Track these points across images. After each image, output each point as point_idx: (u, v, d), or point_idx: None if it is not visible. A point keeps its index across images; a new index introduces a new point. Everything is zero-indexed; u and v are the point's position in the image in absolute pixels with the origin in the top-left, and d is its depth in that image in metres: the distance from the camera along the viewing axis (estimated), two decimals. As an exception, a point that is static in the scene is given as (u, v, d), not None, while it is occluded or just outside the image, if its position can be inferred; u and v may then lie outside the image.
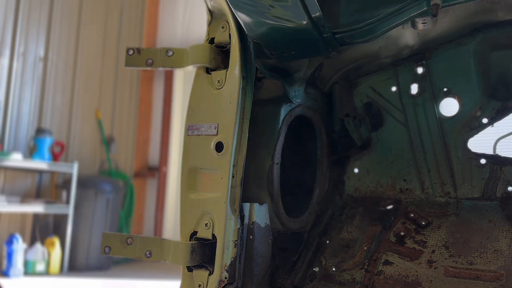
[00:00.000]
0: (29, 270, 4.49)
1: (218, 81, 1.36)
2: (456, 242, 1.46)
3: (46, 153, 4.78)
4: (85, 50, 5.66)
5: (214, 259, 1.29)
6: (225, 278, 1.28)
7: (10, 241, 4.32)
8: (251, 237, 1.34)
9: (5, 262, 4.32)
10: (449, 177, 1.61)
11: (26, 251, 4.50)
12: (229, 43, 1.36)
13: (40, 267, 4.55)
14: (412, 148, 1.68)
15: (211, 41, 1.41)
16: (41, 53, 5.14)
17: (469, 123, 1.60)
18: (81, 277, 4.58)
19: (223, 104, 1.34)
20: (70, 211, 4.78)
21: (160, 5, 6.72)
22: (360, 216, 1.70)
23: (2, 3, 4.72)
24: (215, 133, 1.34)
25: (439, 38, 1.60)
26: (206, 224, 1.31)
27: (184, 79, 6.42)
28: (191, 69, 1.43)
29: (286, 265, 1.61)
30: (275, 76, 1.48)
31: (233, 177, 1.30)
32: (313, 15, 1.20)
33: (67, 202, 4.85)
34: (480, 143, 1.67)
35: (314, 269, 1.59)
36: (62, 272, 4.72)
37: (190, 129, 1.40)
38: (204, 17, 1.51)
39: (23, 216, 4.82)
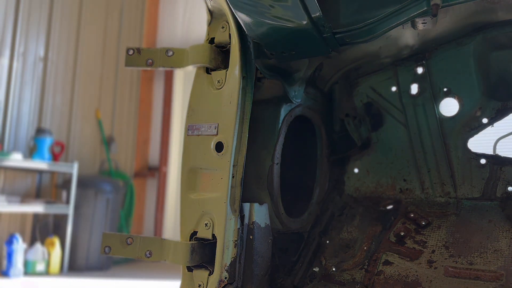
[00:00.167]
0: (29, 270, 4.49)
1: (218, 81, 1.36)
2: (456, 242, 1.46)
3: (46, 153, 4.78)
4: (85, 50, 5.66)
5: (214, 259, 1.29)
6: (225, 278, 1.28)
7: (10, 241, 4.32)
8: (251, 237, 1.34)
9: (5, 262, 4.32)
10: (449, 177, 1.61)
11: (26, 251, 4.50)
12: (229, 43, 1.36)
13: (40, 267, 4.55)
14: (412, 148, 1.68)
15: (211, 41, 1.41)
16: (41, 53, 5.14)
17: (469, 123, 1.60)
18: (81, 277, 4.58)
19: (223, 104, 1.34)
20: (70, 211, 4.78)
21: (160, 5, 6.72)
22: (360, 216, 1.70)
23: (2, 3, 4.72)
24: (215, 133, 1.34)
25: (439, 38, 1.60)
26: (206, 224, 1.31)
27: (184, 79, 6.42)
28: (191, 69, 1.43)
29: (286, 265, 1.61)
30: (275, 76, 1.48)
31: (233, 177, 1.30)
32: (313, 15, 1.20)
33: (67, 202, 4.85)
34: (480, 143, 1.67)
35: (314, 269, 1.59)
36: (62, 272, 4.72)
37: (190, 129, 1.40)
38: (204, 17, 1.51)
39: (23, 216, 4.82)
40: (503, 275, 1.32)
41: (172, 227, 6.10)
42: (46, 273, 4.59)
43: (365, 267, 1.50)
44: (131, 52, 1.40)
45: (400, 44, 1.63)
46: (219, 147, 1.33)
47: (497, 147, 1.60)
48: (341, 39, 1.31)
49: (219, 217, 1.29)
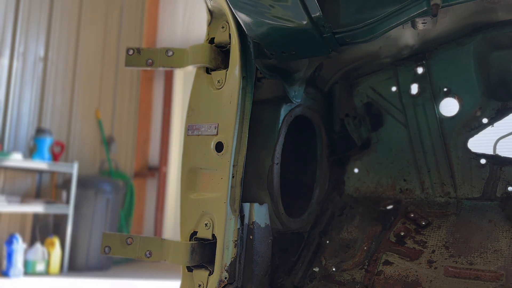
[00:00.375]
0: (29, 270, 4.49)
1: (218, 81, 1.36)
2: (456, 242, 1.46)
3: (46, 153, 4.78)
4: (85, 50, 5.66)
5: (214, 259, 1.29)
6: (225, 278, 1.28)
7: (10, 241, 4.32)
8: (251, 237, 1.34)
9: (5, 262, 4.32)
10: (449, 177, 1.61)
11: (26, 251, 4.50)
12: (229, 43, 1.36)
13: (40, 267, 4.55)
14: (412, 148, 1.68)
15: (211, 41, 1.41)
16: (41, 53, 5.14)
17: (469, 123, 1.60)
18: (81, 277, 4.58)
19: (223, 104, 1.34)
20: (70, 211, 4.78)
21: (160, 5, 6.72)
22: (360, 216, 1.70)
23: (2, 3, 4.72)
24: (215, 133, 1.34)
25: (439, 38, 1.60)
26: (206, 224, 1.31)
27: (184, 79, 6.42)
28: (191, 69, 1.43)
29: (286, 265, 1.61)
30: (275, 76, 1.48)
31: (233, 177, 1.30)
32: (313, 15, 1.20)
33: (67, 202, 4.85)
34: (480, 143, 1.67)
35: (314, 269, 1.59)
36: (62, 272, 4.72)
37: (190, 129, 1.40)
38: (204, 17, 1.51)
39: (23, 216, 4.82)
40: (503, 275, 1.32)
41: (172, 227, 6.10)
42: (46, 273, 4.59)
43: (365, 267, 1.50)
44: (131, 52, 1.40)
45: (400, 44, 1.63)
46: (219, 147, 1.33)
47: (497, 147, 1.60)
48: (341, 39, 1.31)
49: (219, 217, 1.29)
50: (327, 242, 1.67)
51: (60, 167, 4.88)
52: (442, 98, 1.64)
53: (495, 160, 1.56)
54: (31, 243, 4.78)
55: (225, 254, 1.28)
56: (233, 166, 1.31)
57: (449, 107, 1.63)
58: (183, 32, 6.41)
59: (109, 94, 5.99)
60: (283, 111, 1.55)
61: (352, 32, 1.29)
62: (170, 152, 6.27)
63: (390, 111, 1.74)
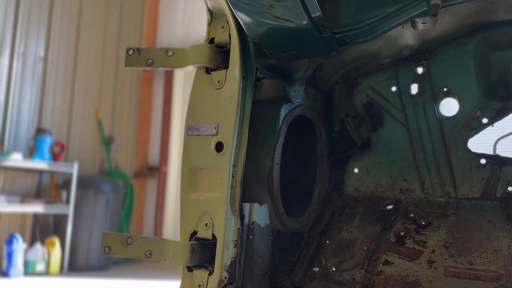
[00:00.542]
0: (29, 270, 4.48)
1: (218, 81, 1.36)
2: (456, 242, 1.46)
3: (46, 153, 4.78)
4: (85, 50, 5.66)
5: (214, 259, 1.29)
6: (225, 278, 1.28)
7: (10, 241, 4.32)
8: (251, 237, 1.34)
9: (5, 262, 4.32)
10: (449, 177, 1.61)
11: (26, 251, 4.50)
12: (229, 43, 1.36)
13: (40, 267, 4.55)
14: (412, 148, 1.68)
15: (211, 41, 1.41)
16: (41, 53, 5.14)
17: (469, 123, 1.60)
18: (81, 277, 4.57)
19: (223, 104, 1.34)
20: (70, 211, 4.78)
21: (160, 5, 6.72)
22: (360, 216, 1.70)
23: (2, 3, 4.72)
24: (215, 133, 1.34)
25: (439, 38, 1.60)
26: (206, 224, 1.31)
27: (184, 79, 6.42)
28: (191, 69, 1.43)
29: (286, 265, 1.61)
30: (275, 76, 1.48)
31: (233, 177, 1.30)
32: (313, 15, 1.20)
33: (67, 202, 4.85)
34: (480, 143, 1.67)
35: (314, 269, 1.59)
36: (62, 272, 4.72)
37: (190, 129, 1.40)
38: (204, 17, 1.51)
39: (23, 216, 4.82)
40: (503, 275, 1.32)
41: (172, 227, 6.10)
42: (46, 273, 4.59)
43: (365, 267, 1.50)
44: (131, 52, 1.40)
45: (400, 44, 1.63)
46: (219, 147, 1.33)
47: (497, 147, 1.60)
48: (341, 39, 1.31)
49: (219, 217, 1.29)
50: (327, 242, 1.67)
51: (60, 167, 4.88)
52: (442, 98, 1.64)
53: (495, 160, 1.56)
54: (31, 243, 4.78)
55: (225, 254, 1.28)
56: (233, 166, 1.31)
57: (449, 107, 1.63)
58: (183, 32, 6.41)
59: (109, 94, 5.99)
60: (283, 111, 1.55)
61: (352, 32, 1.29)
62: (170, 152, 6.27)
63: (390, 111, 1.74)
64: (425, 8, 1.17)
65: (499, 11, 1.48)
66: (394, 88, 1.72)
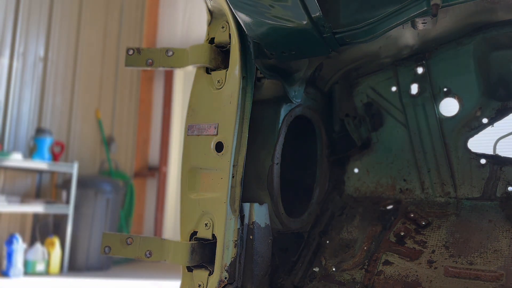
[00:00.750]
0: (29, 270, 4.48)
1: (218, 81, 1.36)
2: (456, 242, 1.46)
3: (46, 153, 4.78)
4: (85, 50, 5.66)
5: (214, 259, 1.29)
6: (225, 278, 1.28)
7: (10, 241, 4.32)
8: (251, 237, 1.34)
9: (5, 262, 4.32)
10: (449, 177, 1.61)
11: (26, 251, 4.50)
12: (229, 43, 1.36)
13: (40, 267, 4.55)
14: (412, 148, 1.68)
15: (211, 41, 1.41)
16: (41, 53, 5.14)
17: (469, 123, 1.60)
18: (81, 277, 4.58)
19: (223, 104, 1.34)
20: (70, 211, 4.78)
21: (160, 5, 6.72)
22: (360, 216, 1.70)
23: (2, 3, 4.72)
24: (215, 133, 1.34)
25: (439, 38, 1.60)
26: (206, 224, 1.31)
27: (184, 79, 6.42)
28: (191, 69, 1.43)
29: (286, 265, 1.61)
30: (275, 76, 1.48)
31: (233, 177, 1.30)
32: (313, 15, 1.20)
33: (67, 202, 4.85)
34: (480, 143, 1.67)
35: (314, 269, 1.59)
36: (62, 272, 4.72)
37: (190, 129, 1.40)
38: (204, 17, 1.51)
39: (23, 216, 4.82)
40: (503, 275, 1.32)
41: (172, 227, 6.10)
42: (46, 273, 4.59)
43: (365, 267, 1.50)
44: (131, 52, 1.40)
45: (400, 44, 1.63)
46: (219, 147, 1.33)
47: (497, 147, 1.60)
48: (341, 39, 1.31)
49: (219, 217, 1.29)
50: (327, 242, 1.67)
51: (60, 167, 4.88)
52: (442, 98, 1.64)
53: (495, 160, 1.56)
54: (31, 243, 4.78)
55: (225, 254, 1.28)
56: (233, 166, 1.31)
57: (449, 107, 1.63)
58: (183, 32, 6.41)
59: (109, 94, 5.99)
60: (283, 111, 1.55)
61: (352, 32, 1.29)
62: (170, 152, 6.27)
63: (390, 111, 1.74)
64: (425, 8, 1.17)
65: (499, 11, 1.48)
66: (394, 88, 1.73)
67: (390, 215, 1.64)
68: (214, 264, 1.29)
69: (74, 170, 4.84)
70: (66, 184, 4.99)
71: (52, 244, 4.68)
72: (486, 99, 1.58)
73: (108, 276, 4.72)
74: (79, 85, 5.58)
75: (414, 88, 1.67)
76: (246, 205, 1.36)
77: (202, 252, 1.31)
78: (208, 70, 1.39)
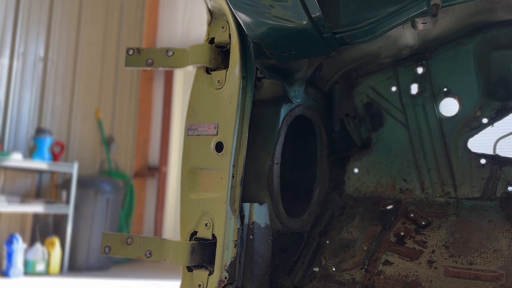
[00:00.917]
0: (29, 270, 4.48)
1: (218, 81, 1.36)
2: (456, 242, 1.46)
3: (46, 153, 4.78)
4: (85, 50, 5.66)
5: (214, 259, 1.29)
6: (225, 278, 1.28)
7: (10, 241, 4.32)
8: (251, 237, 1.34)
9: (5, 262, 4.32)
10: (449, 177, 1.61)
11: (26, 251, 4.50)
12: (229, 43, 1.36)
13: (40, 267, 4.55)
14: (412, 148, 1.68)
15: (211, 41, 1.41)
16: (41, 53, 5.14)
17: (469, 123, 1.60)
18: (81, 277, 4.58)
19: (223, 104, 1.34)
20: (70, 211, 4.78)
21: (160, 5, 6.72)
22: (360, 216, 1.70)
23: (2, 3, 4.72)
24: (215, 133, 1.34)
25: (439, 38, 1.60)
26: (206, 224, 1.31)
27: (184, 79, 6.42)
28: (191, 69, 1.43)
29: (286, 265, 1.61)
30: (275, 76, 1.48)
31: (233, 177, 1.30)
32: (313, 15, 1.20)
33: (67, 202, 4.85)
34: (480, 143, 1.67)
35: (314, 269, 1.59)
36: (62, 272, 4.72)
37: (190, 129, 1.40)
38: (204, 17, 1.51)
39: (23, 216, 4.82)
40: (503, 275, 1.32)
41: (172, 227, 6.10)
42: (46, 273, 4.59)
43: (365, 267, 1.50)
44: (131, 52, 1.40)
45: (400, 44, 1.63)
46: (219, 147, 1.33)
47: (497, 147, 1.60)
48: (341, 39, 1.31)
49: (219, 217, 1.29)
50: (327, 242, 1.67)
51: (60, 167, 4.88)
52: (442, 98, 1.64)
53: (495, 160, 1.56)
54: (31, 243, 4.78)
55: (225, 254, 1.28)
56: (233, 166, 1.31)
57: (449, 107, 1.63)
58: (183, 32, 6.41)
59: (109, 94, 5.99)
60: (283, 111, 1.55)
61: (352, 32, 1.29)
62: (170, 152, 6.27)
63: (390, 111, 1.74)
64: (425, 8, 1.17)
65: (499, 11, 1.48)
66: (394, 88, 1.73)
67: (390, 215, 1.64)
68: (214, 264, 1.29)
69: (74, 170, 4.84)
70: (66, 184, 4.99)
71: (52, 244, 4.68)
72: (486, 99, 1.58)
73: (108, 276, 4.72)
74: (79, 85, 5.58)
75: (414, 88, 1.67)
76: (246, 205, 1.36)
77: (202, 252, 1.31)
78: (208, 70, 1.39)
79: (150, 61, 1.40)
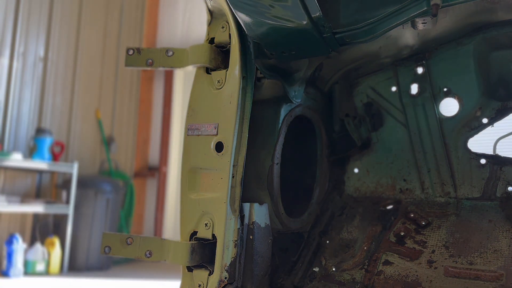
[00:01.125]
0: (29, 270, 4.48)
1: (218, 81, 1.36)
2: (456, 242, 1.46)
3: (46, 153, 4.78)
4: (85, 50, 5.66)
5: (214, 259, 1.29)
6: (225, 278, 1.28)
7: (10, 241, 4.32)
8: (251, 237, 1.34)
9: (5, 262, 4.32)
10: (449, 177, 1.61)
11: (26, 251, 4.50)
12: (229, 43, 1.36)
13: (40, 267, 4.55)
14: (412, 148, 1.68)
15: (211, 41, 1.41)
16: (41, 53, 5.14)
17: (469, 123, 1.60)
18: (81, 277, 4.58)
19: (223, 104, 1.34)
20: (70, 211, 4.78)
21: (160, 5, 6.72)
22: (360, 216, 1.70)
23: (2, 3, 4.72)
24: (215, 133, 1.34)
25: (439, 38, 1.60)
26: (206, 224, 1.31)
27: (184, 79, 6.42)
28: (191, 69, 1.43)
29: (286, 265, 1.61)
30: (275, 76, 1.48)
31: (233, 177, 1.30)
32: (313, 15, 1.20)
33: (67, 202, 4.85)
34: (480, 143, 1.67)
35: (314, 269, 1.59)
36: (62, 272, 4.72)
37: (190, 129, 1.40)
38: (204, 17, 1.51)
39: (23, 216, 4.82)
40: (503, 275, 1.32)
41: (172, 227, 6.10)
42: (46, 273, 4.59)
43: (365, 267, 1.50)
44: (131, 52, 1.40)
45: (400, 44, 1.63)
46: (219, 147, 1.33)
47: (497, 147, 1.60)
48: (341, 39, 1.31)
49: (219, 217, 1.29)
50: (327, 242, 1.67)
51: (60, 167, 4.88)
52: (442, 98, 1.64)
53: (495, 160, 1.56)
54: (31, 243, 4.78)
55: (225, 254, 1.28)
56: (233, 166, 1.31)
57: (449, 107, 1.63)
58: (183, 32, 6.41)
59: (109, 94, 5.99)
60: (283, 111, 1.55)
61: (352, 32, 1.29)
62: (170, 152, 6.27)
63: (390, 111, 1.74)
64: (425, 8, 1.17)
65: (499, 11, 1.48)
66: (394, 88, 1.73)
67: (390, 215, 1.64)
68: (214, 264, 1.29)
69: (74, 170, 4.84)
70: (66, 184, 4.99)
71: (52, 244, 4.68)
72: (486, 99, 1.58)
73: (108, 276, 4.72)
74: (79, 85, 5.58)
75: (414, 88, 1.67)
76: (246, 205, 1.36)
77: (202, 252, 1.31)
78: (208, 70, 1.39)
79: (150, 61, 1.40)
